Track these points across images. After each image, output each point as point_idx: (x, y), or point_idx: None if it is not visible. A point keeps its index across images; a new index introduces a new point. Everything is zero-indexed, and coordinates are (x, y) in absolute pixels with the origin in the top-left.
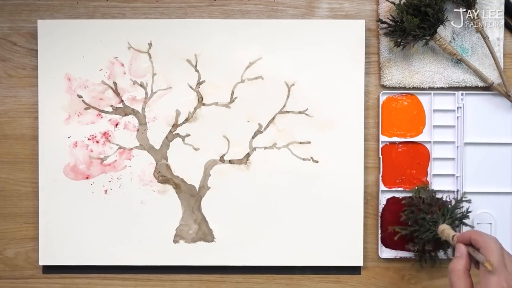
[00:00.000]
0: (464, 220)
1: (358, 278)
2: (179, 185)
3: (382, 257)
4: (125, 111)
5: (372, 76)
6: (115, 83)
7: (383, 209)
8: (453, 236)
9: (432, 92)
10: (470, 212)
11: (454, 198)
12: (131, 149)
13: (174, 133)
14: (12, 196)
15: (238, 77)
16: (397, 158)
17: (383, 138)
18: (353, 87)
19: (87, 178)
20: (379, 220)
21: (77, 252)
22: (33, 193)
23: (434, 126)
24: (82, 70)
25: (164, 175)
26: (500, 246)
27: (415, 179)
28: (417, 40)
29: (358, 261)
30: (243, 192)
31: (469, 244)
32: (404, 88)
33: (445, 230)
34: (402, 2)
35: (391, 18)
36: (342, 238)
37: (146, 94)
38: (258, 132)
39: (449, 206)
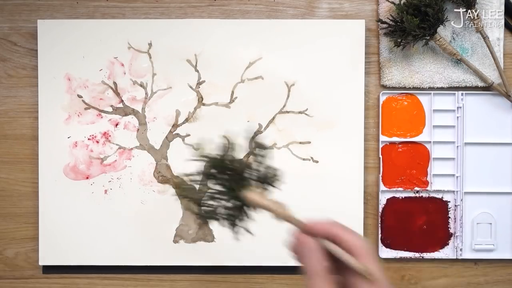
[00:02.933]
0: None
1: None
2: (179, 185)
3: (382, 257)
4: (125, 111)
5: (372, 76)
6: (115, 83)
7: (383, 209)
8: (267, 207)
9: (432, 92)
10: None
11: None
12: (131, 149)
13: (174, 133)
14: (12, 196)
15: (238, 77)
16: (397, 158)
17: (383, 138)
18: (353, 87)
19: (87, 178)
20: (379, 220)
21: (77, 252)
22: (33, 193)
23: (434, 126)
24: (82, 70)
25: (164, 175)
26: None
27: (415, 179)
28: (417, 40)
29: None
30: None
31: (324, 237)
32: (404, 88)
33: (252, 195)
34: (402, 2)
35: (391, 18)
36: None
37: (146, 94)
38: (258, 132)
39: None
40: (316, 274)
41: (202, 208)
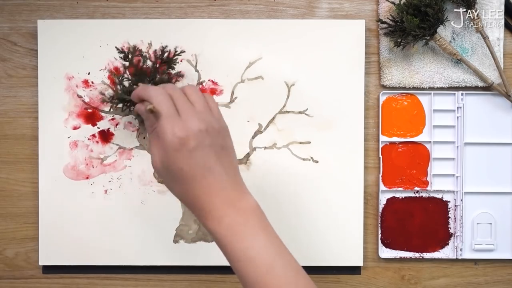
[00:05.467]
0: (173, 65)
1: (358, 278)
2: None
3: (382, 257)
4: (125, 111)
5: (372, 76)
6: (115, 83)
7: (383, 209)
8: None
9: (432, 92)
10: (178, 55)
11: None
12: (131, 149)
13: None
14: (12, 196)
15: (238, 77)
16: (397, 158)
17: (383, 138)
18: (353, 87)
19: (87, 178)
20: (379, 220)
21: (77, 252)
22: (33, 193)
23: (434, 126)
24: (82, 70)
25: None
26: (170, 92)
27: (415, 179)
28: (417, 40)
29: (358, 261)
30: None
31: (141, 101)
32: (404, 88)
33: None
34: (402, 2)
35: (391, 18)
36: (342, 238)
37: None
38: (258, 132)
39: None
40: (148, 131)
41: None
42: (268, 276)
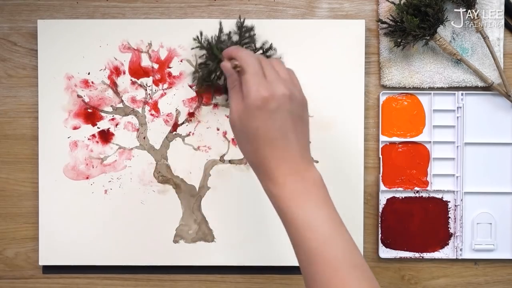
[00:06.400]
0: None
1: None
2: (179, 185)
3: (382, 257)
4: (125, 111)
5: (372, 76)
6: (115, 83)
7: (383, 209)
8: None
9: (432, 92)
10: (265, 43)
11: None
12: (131, 149)
13: (174, 133)
14: (12, 196)
15: None
16: (397, 158)
17: (383, 138)
18: (353, 87)
19: (87, 178)
20: (379, 220)
21: (77, 252)
22: (33, 193)
23: (434, 126)
24: (82, 70)
25: (164, 175)
26: (259, 57)
27: (415, 179)
28: (417, 40)
29: None
30: (243, 192)
31: (230, 58)
32: (404, 88)
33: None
34: (402, 2)
35: (391, 18)
36: None
37: (146, 94)
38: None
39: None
40: (229, 87)
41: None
42: (326, 246)
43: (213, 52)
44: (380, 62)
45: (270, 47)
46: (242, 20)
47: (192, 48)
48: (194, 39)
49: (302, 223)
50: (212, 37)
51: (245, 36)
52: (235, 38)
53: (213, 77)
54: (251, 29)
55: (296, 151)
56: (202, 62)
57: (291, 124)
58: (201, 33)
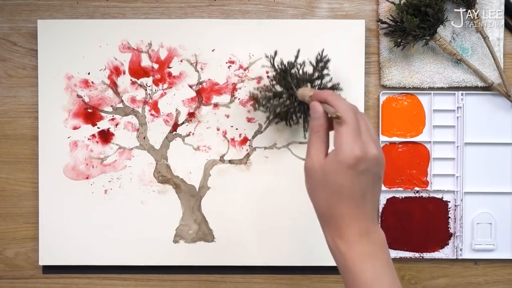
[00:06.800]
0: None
1: None
2: (179, 185)
3: None
4: (125, 111)
5: (372, 76)
6: (115, 83)
7: (383, 209)
8: (310, 96)
9: (432, 92)
10: (338, 84)
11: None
12: (131, 149)
13: (174, 133)
14: (12, 196)
15: (238, 77)
16: (397, 158)
17: (383, 138)
18: (353, 87)
19: (87, 178)
20: (379, 220)
21: (77, 252)
22: (33, 193)
23: (434, 126)
24: (82, 70)
25: (164, 175)
26: (355, 111)
27: (415, 179)
28: (417, 40)
29: None
30: (243, 192)
31: (323, 102)
32: (404, 88)
33: (302, 90)
34: (402, 2)
35: (391, 18)
36: None
37: (146, 94)
38: (258, 132)
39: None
40: (312, 130)
41: (269, 106)
42: None
43: (286, 80)
44: (380, 62)
45: (337, 86)
46: (321, 52)
47: (263, 66)
48: (267, 57)
49: (365, 284)
50: (281, 62)
51: (321, 71)
52: (308, 68)
53: (284, 109)
54: (327, 62)
55: (369, 211)
56: (268, 86)
57: (372, 185)
58: (275, 53)
